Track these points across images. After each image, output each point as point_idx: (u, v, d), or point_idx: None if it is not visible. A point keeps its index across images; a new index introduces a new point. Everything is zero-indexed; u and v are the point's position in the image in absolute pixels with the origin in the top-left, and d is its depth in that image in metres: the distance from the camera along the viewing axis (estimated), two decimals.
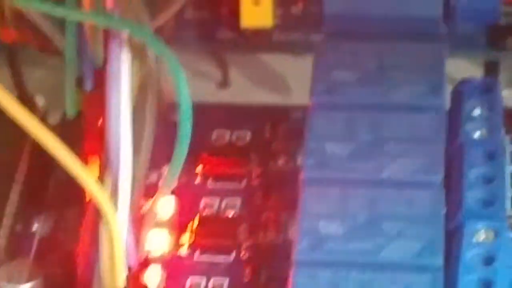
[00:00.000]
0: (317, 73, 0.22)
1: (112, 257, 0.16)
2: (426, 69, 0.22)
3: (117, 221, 0.16)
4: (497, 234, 0.18)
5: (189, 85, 0.17)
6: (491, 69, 0.26)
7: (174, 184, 0.19)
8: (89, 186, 0.16)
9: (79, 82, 0.20)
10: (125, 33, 0.17)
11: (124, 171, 0.17)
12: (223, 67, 0.32)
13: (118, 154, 0.17)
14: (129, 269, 0.18)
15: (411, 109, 0.21)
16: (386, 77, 0.22)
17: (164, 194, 0.20)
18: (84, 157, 0.17)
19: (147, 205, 0.21)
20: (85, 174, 0.16)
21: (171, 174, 0.18)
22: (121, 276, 0.17)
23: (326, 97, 0.21)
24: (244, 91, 0.32)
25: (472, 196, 0.19)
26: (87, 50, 0.19)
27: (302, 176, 0.20)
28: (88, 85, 0.19)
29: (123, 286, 0.17)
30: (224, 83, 0.32)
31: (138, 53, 0.18)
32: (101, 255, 0.16)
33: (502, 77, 0.26)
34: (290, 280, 0.17)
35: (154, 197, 0.20)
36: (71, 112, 0.20)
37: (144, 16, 0.20)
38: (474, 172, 0.20)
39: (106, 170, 0.17)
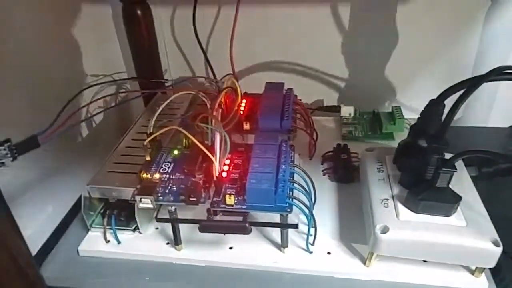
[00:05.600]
0: None
1: (214, 169, 0.83)
2: None
3: (216, 162, 0.83)
4: None
5: None
6: None
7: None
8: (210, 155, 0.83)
9: None
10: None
11: (218, 156, 0.84)
12: None
13: (217, 149, 0.83)
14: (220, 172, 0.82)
15: None
16: None
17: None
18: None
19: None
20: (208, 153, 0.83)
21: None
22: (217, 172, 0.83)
23: None
24: None
25: None
26: None
27: None
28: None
29: (218, 174, 0.83)
30: None
31: None
32: (214, 170, 0.83)
33: None
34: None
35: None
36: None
37: None
38: None
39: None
